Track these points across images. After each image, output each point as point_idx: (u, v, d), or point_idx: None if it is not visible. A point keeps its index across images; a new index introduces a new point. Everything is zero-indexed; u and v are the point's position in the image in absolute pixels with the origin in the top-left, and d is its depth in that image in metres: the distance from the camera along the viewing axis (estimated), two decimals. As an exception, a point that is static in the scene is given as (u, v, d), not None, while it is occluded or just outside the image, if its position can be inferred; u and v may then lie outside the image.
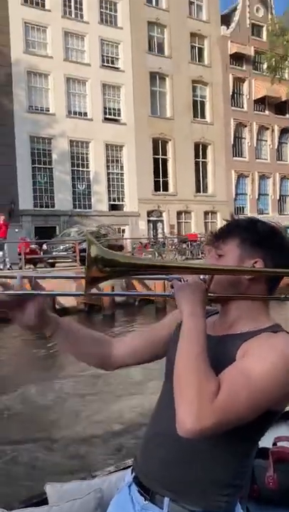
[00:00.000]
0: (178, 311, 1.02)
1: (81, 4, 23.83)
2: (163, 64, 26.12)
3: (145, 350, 1.22)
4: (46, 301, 1.10)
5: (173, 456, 1.04)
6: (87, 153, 24.01)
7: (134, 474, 1.14)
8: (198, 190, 27.29)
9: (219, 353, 0.97)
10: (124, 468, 1.74)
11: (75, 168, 23.63)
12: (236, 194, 28.64)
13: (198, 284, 1.02)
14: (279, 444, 1.84)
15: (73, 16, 23.61)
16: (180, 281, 1.04)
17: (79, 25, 23.62)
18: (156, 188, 25.84)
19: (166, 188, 26.33)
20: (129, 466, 1.25)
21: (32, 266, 14.68)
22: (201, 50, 27.95)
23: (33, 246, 14.97)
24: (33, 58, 22.27)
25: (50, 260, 14.49)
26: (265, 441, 1.45)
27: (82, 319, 11.59)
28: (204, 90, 27.98)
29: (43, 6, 22.76)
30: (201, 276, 1.04)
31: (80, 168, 23.85)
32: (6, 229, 13.21)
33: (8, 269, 13.37)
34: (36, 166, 22.41)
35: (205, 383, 0.87)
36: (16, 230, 15.46)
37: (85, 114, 23.93)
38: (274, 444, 1.83)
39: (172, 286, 1.04)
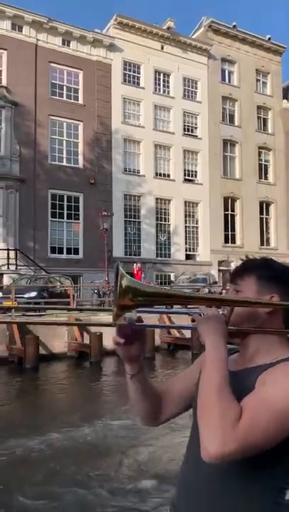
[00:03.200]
0: (203, 357, 1.09)
1: (168, 82, 27.74)
2: (234, 132, 29.67)
3: (186, 397, 1.27)
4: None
5: (209, 504, 1.07)
6: (168, 209, 27.23)
7: None
8: (262, 243, 30.12)
9: (238, 386, 1.01)
10: None
11: (159, 221, 26.80)
12: (296, 248, 31.41)
13: (219, 316, 1.08)
14: None
15: (162, 92, 27.45)
16: (200, 315, 1.09)
17: (166, 100, 27.42)
18: (226, 241, 28.76)
19: (234, 241, 29.23)
20: None
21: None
22: (265, 121, 31.58)
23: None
24: (129, 128, 25.97)
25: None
26: None
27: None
28: (268, 155, 31.38)
29: (138, 84, 26.68)
30: (220, 311, 1.11)
31: (163, 222, 27.02)
32: (141, 275, 16.12)
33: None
34: (127, 219, 25.64)
35: (227, 410, 0.92)
36: (143, 276, 18.31)
37: (168, 175, 27.32)
38: None
39: (193, 320, 1.09)
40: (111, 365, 12.11)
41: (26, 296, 13.75)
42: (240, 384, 1.02)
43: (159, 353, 13.94)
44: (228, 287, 1.27)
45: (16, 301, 13.02)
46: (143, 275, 18.12)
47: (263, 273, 1.14)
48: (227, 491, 1.05)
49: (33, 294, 14.04)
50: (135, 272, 17.70)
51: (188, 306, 1.15)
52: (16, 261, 21.18)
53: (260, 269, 1.15)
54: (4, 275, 20.37)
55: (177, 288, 18.10)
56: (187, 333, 13.76)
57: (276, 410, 0.94)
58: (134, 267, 18.16)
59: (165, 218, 27.12)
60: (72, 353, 13.20)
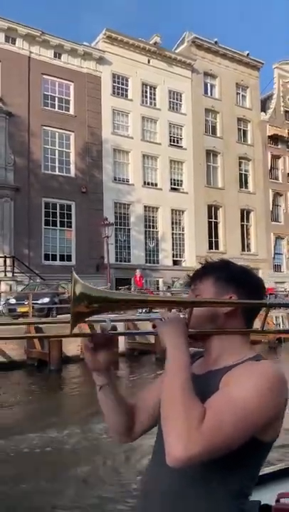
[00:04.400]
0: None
1: (155, 95, 28.78)
2: (216, 143, 30.99)
3: (157, 407, 1.13)
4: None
5: (170, 506, 1.05)
6: (156, 217, 28.18)
7: None
8: (243, 249, 31.47)
9: (202, 389, 0.99)
10: None
11: (147, 229, 27.71)
12: (274, 253, 32.91)
13: (179, 318, 1.08)
14: (282, 500, 1.72)
15: (149, 104, 28.46)
16: (161, 320, 1.09)
17: (153, 112, 28.43)
18: (210, 247, 29.93)
19: (217, 247, 30.42)
20: None
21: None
22: (245, 132, 33.09)
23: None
24: (118, 138, 26.82)
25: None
26: (268, 498, 1.50)
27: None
28: (248, 165, 32.87)
29: (127, 96, 27.61)
30: (181, 315, 1.12)
31: (151, 229, 27.94)
32: (142, 280, 16.94)
33: (139, 313, 16.95)
34: (118, 227, 26.41)
35: (190, 411, 0.90)
36: (143, 282, 19.17)
37: (156, 184, 28.30)
38: (277, 500, 1.72)
39: (154, 326, 1.09)
40: (125, 367, 12.87)
41: (40, 302, 14.36)
42: (204, 387, 1.01)
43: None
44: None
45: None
46: (143, 281, 19.02)
47: (221, 275, 1.16)
48: (191, 495, 1.03)
49: (46, 299, 14.67)
50: (137, 278, 18.56)
51: (154, 311, 1.46)
52: (12, 268, 21.64)
53: (218, 271, 1.17)
54: (2, 282, 20.87)
55: (176, 293, 19.05)
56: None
57: (240, 409, 0.93)
58: (136, 273, 19.04)
59: (153, 226, 28.06)
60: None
